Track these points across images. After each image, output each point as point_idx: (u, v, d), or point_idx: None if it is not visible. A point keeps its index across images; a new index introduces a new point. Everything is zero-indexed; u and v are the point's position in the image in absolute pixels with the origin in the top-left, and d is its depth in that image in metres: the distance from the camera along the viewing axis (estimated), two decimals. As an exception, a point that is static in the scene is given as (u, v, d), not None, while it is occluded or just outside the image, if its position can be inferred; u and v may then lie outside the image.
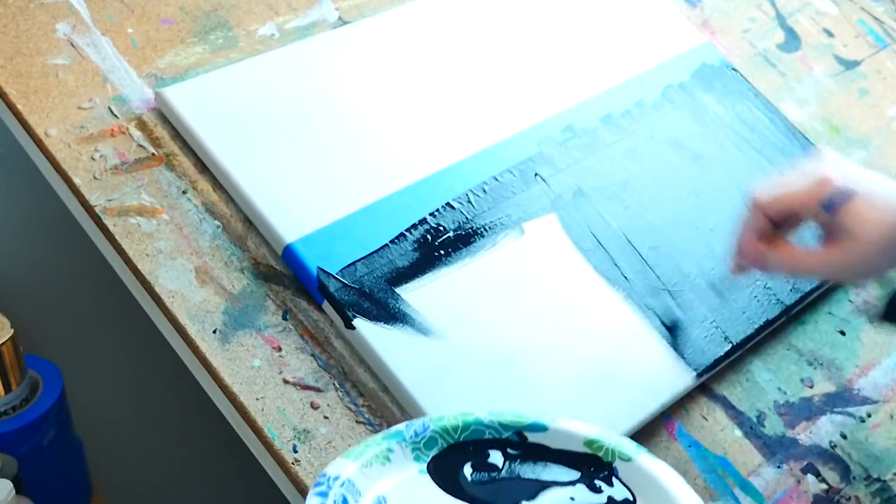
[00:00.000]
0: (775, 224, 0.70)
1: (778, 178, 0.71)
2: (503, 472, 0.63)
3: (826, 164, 0.69)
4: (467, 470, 0.62)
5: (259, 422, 0.68)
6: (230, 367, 0.69)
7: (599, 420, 0.73)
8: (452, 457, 0.63)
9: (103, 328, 0.99)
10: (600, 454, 0.63)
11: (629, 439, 0.64)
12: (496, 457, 0.63)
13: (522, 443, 0.64)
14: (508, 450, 0.64)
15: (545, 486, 0.62)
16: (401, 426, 0.63)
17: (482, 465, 0.63)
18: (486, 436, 0.64)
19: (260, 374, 0.70)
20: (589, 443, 0.64)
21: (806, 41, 1.06)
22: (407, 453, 0.62)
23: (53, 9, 0.80)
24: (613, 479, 0.63)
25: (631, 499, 0.62)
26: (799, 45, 1.05)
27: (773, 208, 0.70)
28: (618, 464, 0.63)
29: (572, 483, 0.62)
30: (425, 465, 0.62)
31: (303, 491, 0.67)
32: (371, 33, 0.86)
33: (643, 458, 0.63)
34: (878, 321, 0.86)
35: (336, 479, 0.58)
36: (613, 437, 0.64)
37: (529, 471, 0.63)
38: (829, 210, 0.67)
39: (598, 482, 0.62)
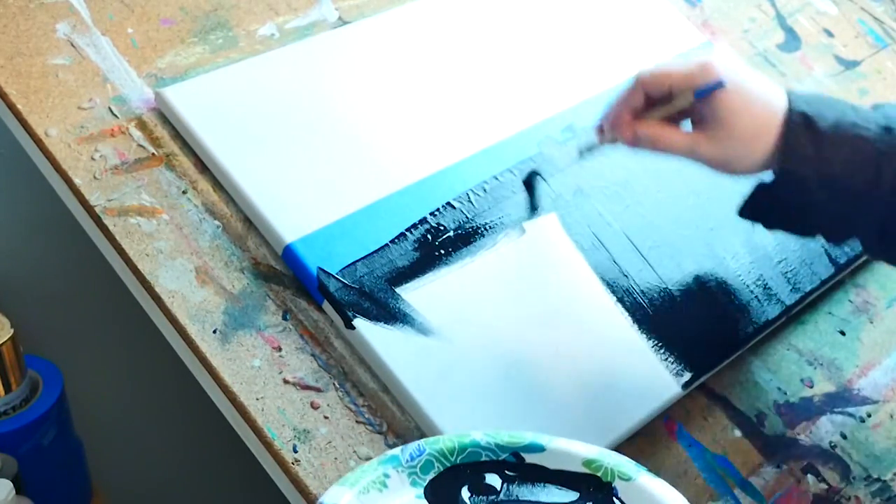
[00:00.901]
0: (650, 103, 0.72)
1: (667, 61, 0.73)
2: (501, 494, 0.61)
3: (714, 55, 0.71)
4: (465, 493, 0.61)
5: (259, 422, 0.68)
6: (230, 367, 0.69)
7: (600, 420, 0.73)
8: (450, 480, 0.61)
9: (103, 328, 0.99)
10: (599, 474, 0.62)
11: (629, 459, 0.63)
12: (494, 479, 0.62)
13: (520, 464, 0.62)
14: (506, 471, 0.62)
15: None
16: (396, 450, 0.62)
17: (480, 487, 0.61)
18: (483, 457, 0.62)
19: (260, 374, 0.70)
20: (588, 462, 0.62)
21: (806, 41, 1.06)
22: (403, 478, 0.61)
23: (53, 9, 0.80)
24: (613, 499, 0.61)
25: None
26: (799, 45, 1.05)
27: (650, 84, 0.71)
28: (617, 483, 0.61)
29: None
30: (422, 489, 0.61)
31: (303, 491, 0.67)
32: (371, 33, 0.86)
33: (644, 478, 0.61)
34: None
35: None
36: (613, 456, 0.62)
37: (528, 492, 0.61)
38: (700, 96, 0.69)
39: (597, 502, 0.61)
